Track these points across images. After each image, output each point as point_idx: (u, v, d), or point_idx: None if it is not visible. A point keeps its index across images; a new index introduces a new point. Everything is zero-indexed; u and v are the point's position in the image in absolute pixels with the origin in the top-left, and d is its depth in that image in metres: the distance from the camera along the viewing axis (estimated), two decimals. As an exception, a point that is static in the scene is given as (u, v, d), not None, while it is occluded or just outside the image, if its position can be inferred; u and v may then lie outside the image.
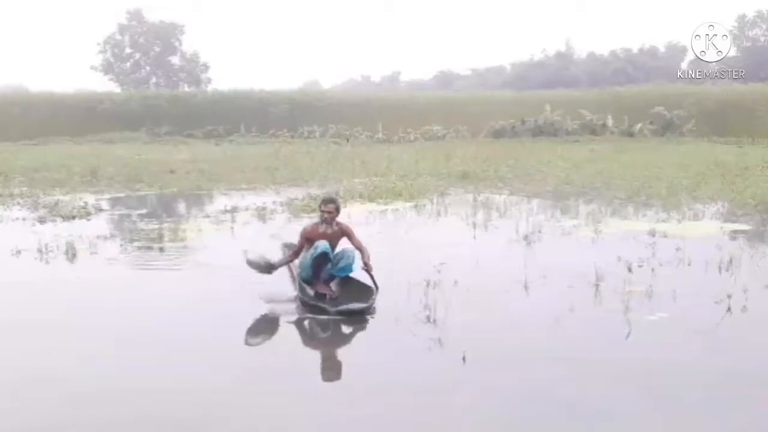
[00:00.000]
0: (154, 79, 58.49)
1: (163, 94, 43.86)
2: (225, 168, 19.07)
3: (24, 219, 10.81)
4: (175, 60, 59.41)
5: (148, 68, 58.75)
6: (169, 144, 30.75)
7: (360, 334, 5.47)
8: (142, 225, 10.40)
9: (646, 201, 12.09)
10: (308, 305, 5.90)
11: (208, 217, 11.22)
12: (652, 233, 8.87)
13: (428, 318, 5.54)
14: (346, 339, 5.46)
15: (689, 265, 7.26)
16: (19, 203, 12.58)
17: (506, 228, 9.51)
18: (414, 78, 74.53)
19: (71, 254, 8.09)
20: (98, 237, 9.16)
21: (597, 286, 6.41)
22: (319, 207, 6.44)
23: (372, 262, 6.21)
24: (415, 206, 11.97)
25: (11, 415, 4.01)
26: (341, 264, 6.14)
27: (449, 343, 5.00)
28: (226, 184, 15.38)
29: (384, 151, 26.10)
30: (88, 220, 10.92)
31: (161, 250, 8.65)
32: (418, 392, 4.27)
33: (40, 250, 8.17)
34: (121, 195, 14.14)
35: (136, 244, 8.96)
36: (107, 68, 58.24)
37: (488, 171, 17.10)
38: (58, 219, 10.76)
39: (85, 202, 12.42)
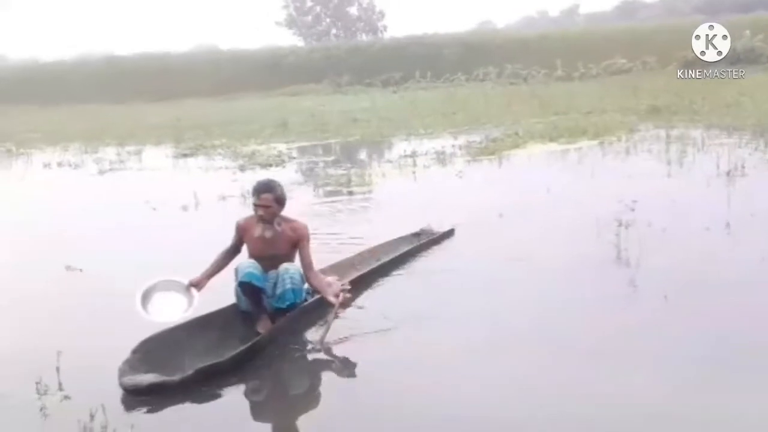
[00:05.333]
0: (333, 31, 60.08)
1: (343, 45, 44.99)
2: (403, 114, 19.35)
3: (226, 168, 11.76)
4: (353, 10, 60.51)
5: (328, 20, 60.40)
6: (350, 94, 31.68)
7: (550, 276, 5.29)
8: (330, 171, 10.94)
9: None
10: None
11: (390, 162, 11.55)
12: None
13: (620, 259, 5.36)
14: (539, 280, 5.26)
15: None
16: (220, 153, 13.66)
17: (704, 164, 8.85)
18: (594, 10, 70.37)
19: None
20: (293, 183, 9.78)
21: (814, 224, 5.83)
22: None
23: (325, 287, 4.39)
24: (601, 144, 11.47)
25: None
26: (278, 291, 4.30)
27: (644, 285, 4.81)
28: (405, 130, 15.62)
29: (564, 88, 25.12)
30: (283, 167, 11.66)
31: (350, 193, 9.05)
32: (612, 333, 4.15)
33: (243, 196, 8.85)
34: (310, 144, 14.89)
35: (327, 188, 9.43)
36: (290, 23, 60.59)
37: (681, 104, 15.88)
38: (257, 167, 11.58)
39: (279, 151, 13.29)
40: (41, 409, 3.43)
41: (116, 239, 7.12)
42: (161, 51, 44.11)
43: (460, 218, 6.91)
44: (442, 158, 11.23)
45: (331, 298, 4.25)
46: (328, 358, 4.05)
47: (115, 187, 10.87)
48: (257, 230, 4.38)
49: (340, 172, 10.66)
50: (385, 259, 5.61)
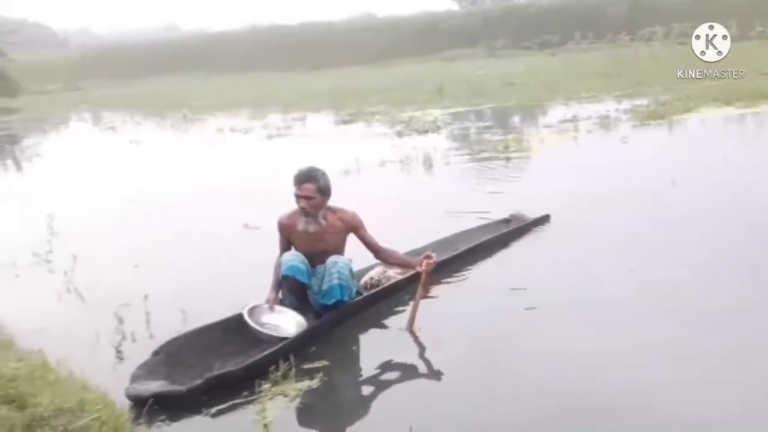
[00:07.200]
0: (489, -8, 58.95)
1: (498, 7, 44.01)
2: (562, 78, 18.73)
3: (384, 134, 12.02)
4: (509, -29, 58.97)
5: (483, -18, 59.31)
6: (506, 57, 31.07)
7: (728, 252, 4.79)
8: (487, 136, 10.86)
9: None
10: None
11: (549, 127, 11.28)
12: None
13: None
14: (714, 254, 4.82)
15: None
16: (378, 120, 13.97)
17: None
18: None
19: (428, 165, 8.80)
20: (449, 149, 9.86)
21: None
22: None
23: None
24: (784, 108, 10.55)
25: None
26: (324, 287, 3.92)
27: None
28: (565, 94, 15.13)
29: (739, 48, 23.11)
30: (439, 133, 11.74)
31: (507, 159, 8.95)
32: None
33: (401, 161, 9.02)
34: (465, 109, 14.82)
35: (484, 154, 9.39)
36: (445, -13, 60.18)
37: None
38: (413, 133, 11.74)
39: (435, 117, 13.36)
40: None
41: (286, 202, 7.51)
42: (322, 20, 45.49)
43: (626, 186, 6.68)
44: (605, 123, 10.82)
45: (417, 268, 3.98)
46: (410, 351, 3.69)
47: (282, 151, 11.45)
48: (301, 224, 4.00)
49: (497, 137, 10.54)
50: (463, 248, 4.99)
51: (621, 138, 9.42)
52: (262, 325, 3.73)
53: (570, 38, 34.15)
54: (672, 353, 3.41)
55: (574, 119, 11.34)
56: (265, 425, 2.99)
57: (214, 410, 3.16)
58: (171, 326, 3.93)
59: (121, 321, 4.05)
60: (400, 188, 7.80)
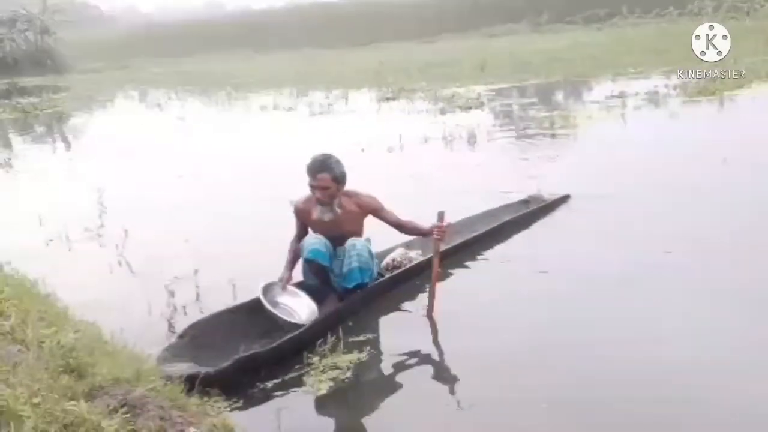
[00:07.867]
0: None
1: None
2: (609, 53, 18.31)
3: (427, 111, 11.95)
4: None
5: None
6: (550, 33, 30.50)
7: None
8: (532, 113, 10.74)
9: None
10: None
11: (596, 103, 11.08)
12: None
13: None
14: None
15: None
16: (421, 97, 13.87)
17: None
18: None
19: (472, 142, 8.73)
20: (493, 125, 9.76)
21: None
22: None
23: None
24: None
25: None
26: (344, 269, 3.89)
27: None
28: (612, 70, 14.81)
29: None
30: (482, 110, 11.63)
31: (552, 137, 8.83)
32: None
33: (444, 138, 8.97)
34: (509, 85, 14.64)
35: (529, 131, 9.28)
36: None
37: None
38: (456, 110, 11.66)
39: (478, 94, 13.22)
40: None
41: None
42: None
43: (675, 164, 6.55)
44: (654, 99, 10.58)
45: (432, 236, 3.87)
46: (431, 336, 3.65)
47: (325, 129, 11.48)
48: (315, 212, 3.96)
49: (542, 114, 10.42)
50: (482, 230, 4.95)
51: (670, 114, 9.23)
52: (276, 304, 3.75)
53: (617, 12, 33.33)
54: (690, 344, 3.32)
55: (621, 95, 11.13)
56: (318, 397, 3.05)
57: (268, 384, 3.22)
58: (222, 300, 4.01)
59: (172, 294, 4.12)
60: (443, 165, 7.75)
